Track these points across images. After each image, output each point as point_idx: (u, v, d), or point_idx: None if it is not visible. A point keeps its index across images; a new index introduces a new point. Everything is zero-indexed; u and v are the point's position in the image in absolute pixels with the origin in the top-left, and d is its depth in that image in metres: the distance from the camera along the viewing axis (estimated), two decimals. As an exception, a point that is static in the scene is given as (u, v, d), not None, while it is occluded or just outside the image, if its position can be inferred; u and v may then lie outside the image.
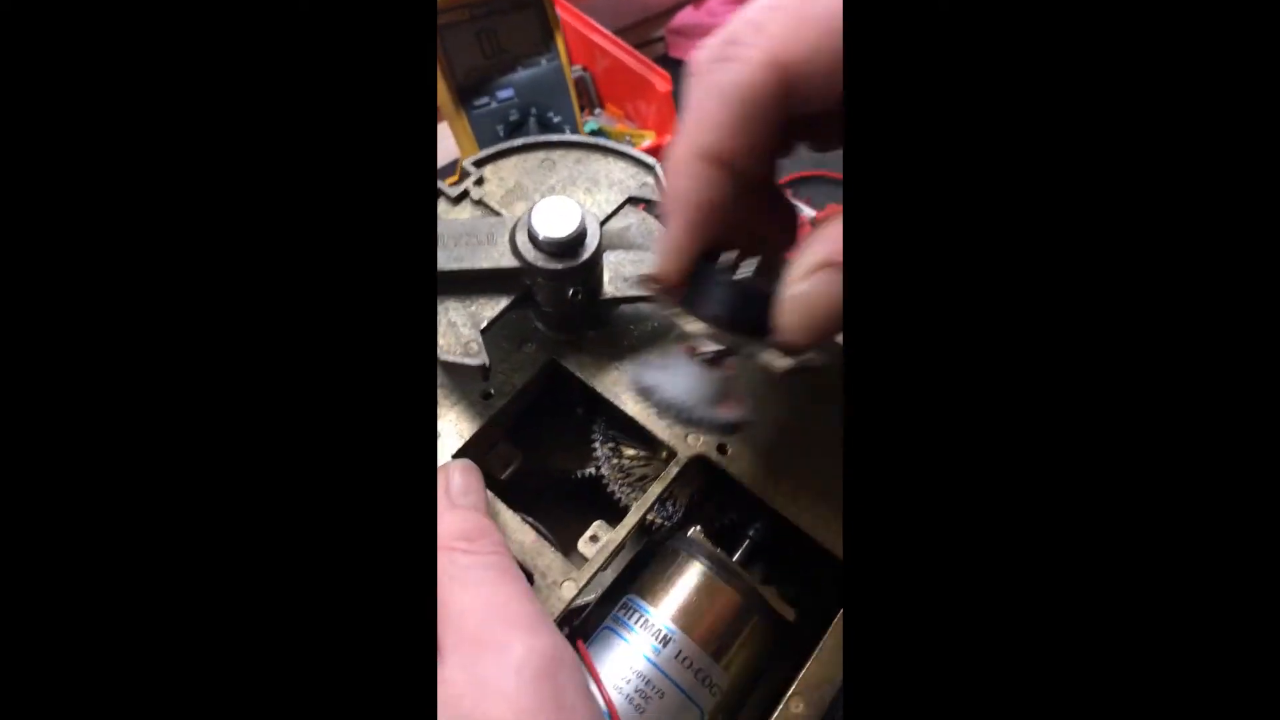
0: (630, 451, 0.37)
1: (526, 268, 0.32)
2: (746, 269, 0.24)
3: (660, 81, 0.72)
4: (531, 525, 0.32)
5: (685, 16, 0.89)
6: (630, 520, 0.32)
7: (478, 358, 0.31)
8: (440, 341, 0.31)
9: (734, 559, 0.33)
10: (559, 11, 0.64)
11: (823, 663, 0.30)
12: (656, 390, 0.26)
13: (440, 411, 0.34)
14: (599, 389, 0.35)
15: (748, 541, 0.35)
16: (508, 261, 0.32)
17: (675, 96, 0.73)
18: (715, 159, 0.23)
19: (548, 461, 0.37)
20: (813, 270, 0.22)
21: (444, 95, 0.60)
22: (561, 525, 0.35)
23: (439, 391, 0.34)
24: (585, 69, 0.77)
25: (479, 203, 0.35)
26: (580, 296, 0.33)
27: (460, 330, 0.32)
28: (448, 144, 0.66)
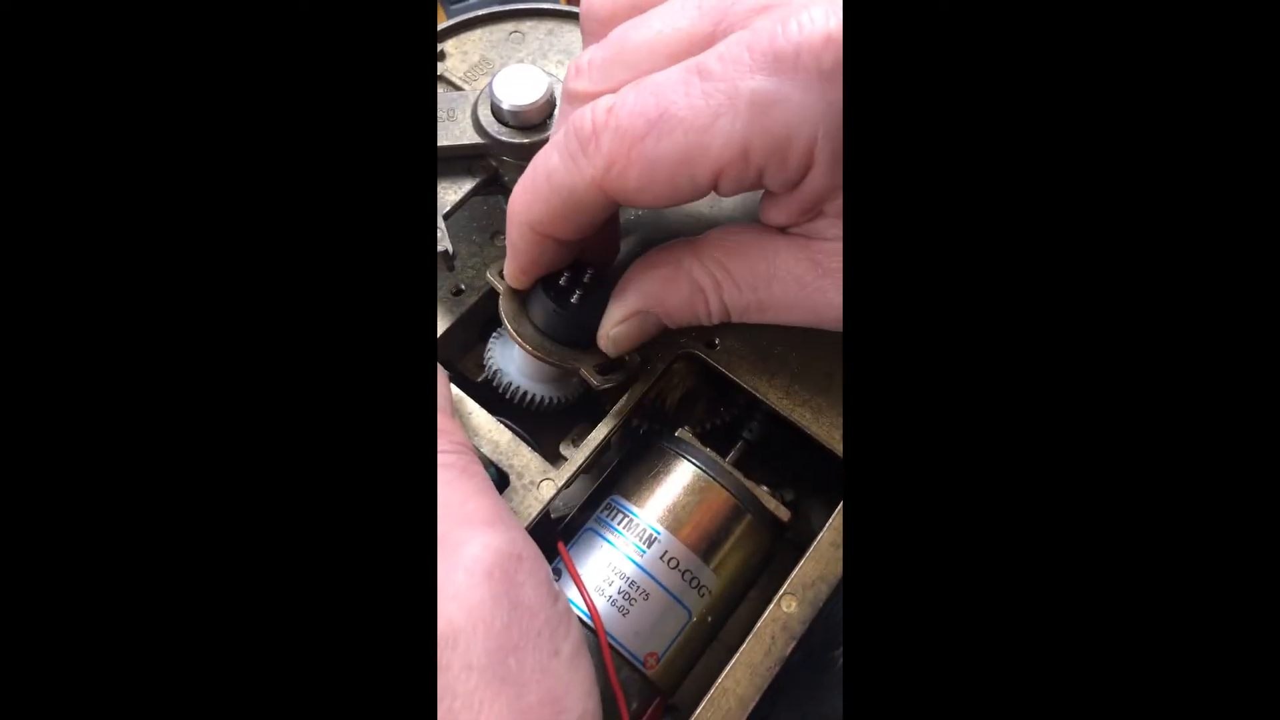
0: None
1: (491, 143, 0.29)
2: (575, 295, 0.28)
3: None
4: (507, 425, 0.30)
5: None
6: (613, 416, 0.30)
7: (440, 244, 0.29)
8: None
9: (727, 461, 0.31)
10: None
11: (817, 560, 0.28)
12: (501, 373, 0.30)
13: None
14: (579, 282, 0.32)
15: (741, 443, 0.33)
16: (470, 139, 0.29)
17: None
18: (543, 232, 0.26)
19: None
20: (626, 318, 0.28)
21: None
22: (545, 433, 0.33)
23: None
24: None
25: (440, 79, 0.32)
26: (552, 177, 0.30)
27: (421, 216, 0.29)
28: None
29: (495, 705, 0.20)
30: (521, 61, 0.33)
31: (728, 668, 0.27)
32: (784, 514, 0.31)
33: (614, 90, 0.24)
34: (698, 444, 0.31)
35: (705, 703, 0.26)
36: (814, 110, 0.22)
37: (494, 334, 0.32)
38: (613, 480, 0.32)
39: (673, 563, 0.29)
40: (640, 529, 0.29)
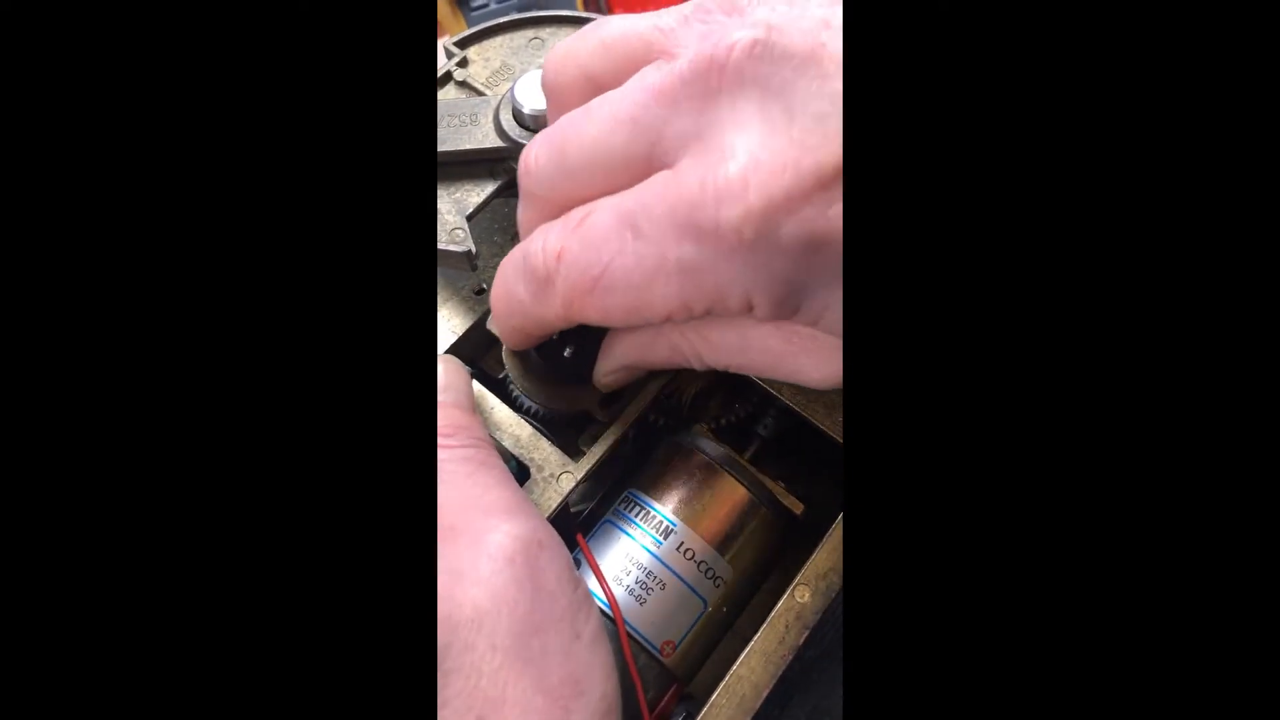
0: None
1: (512, 147, 0.30)
2: (566, 350, 0.30)
3: (671, -20, 0.69)
4: (528, 420, 0.31)
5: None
6: (631, 413, 0.31)
7: (463, 245, 0.30)
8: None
9: (743, 457, 0.32)
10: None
11: (829, 552, 0.29)
12: (513, 384, 0.32)
13: (432, 308, 0.33)
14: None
15: (758, 440, 0.34)
16: (491, 142, 0.30)
17: None
18: (522, 341, 0.29)
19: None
20: (613, 371, 0.29)
21: (440, -4, 0.57)
22: (564, 428, 0.34)
23: (430, 287, 0.33)
24: (591, -31, 0.73)
25: (462, 84, 0.33)
26: (571, 179, 0.31)
27: (445, 217, 0.30)
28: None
29: (520, 684, 0.21)
30: (541, 67, 0.34)
31: (743, 655, 0.27)
32: (797, 508, 0.32)
33: (558, 203, 0.25)
34: (714, 439, 0.32)
35: (721, 689, 0.27)
36: (742, 274, 0.22)
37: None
38: (630, 474, 0.33)
39: (689, 554, 0.29)
40: (657, 521, 0.30)
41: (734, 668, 0.27)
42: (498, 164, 0.31)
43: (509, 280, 0.26)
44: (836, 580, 0.28)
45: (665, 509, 0.30)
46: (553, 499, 0.29)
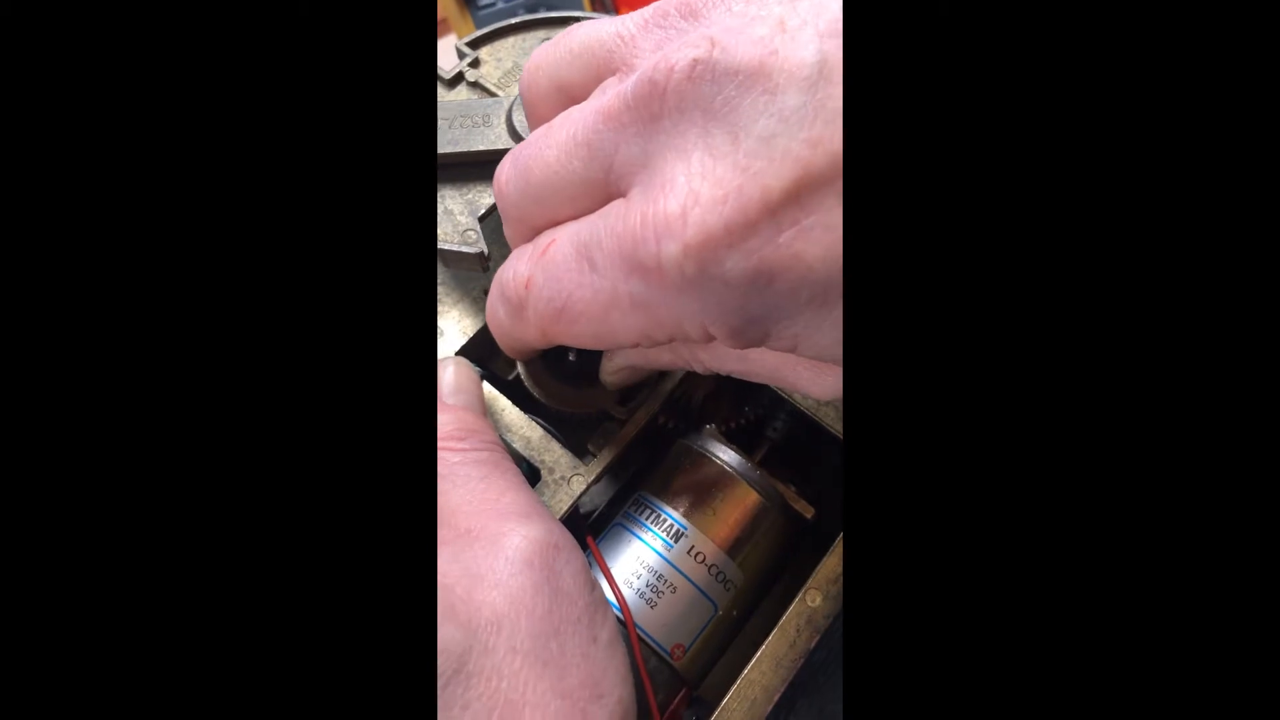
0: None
1: (524, 149, 0.30)
2: (571, 354, 0.31)
3: (678, -20, 0.68)
4: (539, 423, 0.31)
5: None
6: (642, 416, 0.31)
7: (475, 246, 0.30)
8: (437, 230, 0.30)
9: (753, 460, 0.32)
10: (567, -99, 0.60)
11: (841, 556, 0.28)
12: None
13: (441, 310, 0.33)
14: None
15: (768, 444, 0.34)
16: (504, 143, 0.30)
17: None
18: (518, 355, 0.29)
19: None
20: (618, 370, 0.29)
21: (448, -5, 0.57)
22: (574, 430, 0.34)
23: (440, 289, 0.33)
24: (598, -31, 0.73)
25: (475, 85, 0.33)
26: (583, 180, 0.31)
27: (457, 218, 0.30)
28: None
29: (539, 686, 0.21)
30: (553, 68, 0.34)
31: (754, 659, 0.27)
32: (808, 511, 0.32)
33: (531, 225, 0.24)
34: (724, 442, 0.32)
35: (732, 693, 0.27)
36: (693, 309, 0.21)
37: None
38: (641, 477, 0.33)
39: (700, 558, 0.29)
40: (668, 524, 0.30)
41: (745, 671, 0.27)
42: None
43: (493, 302, 0.26)
44: (848, 585, 0.28)
45: (676, 512, 0.30)
46: (563, 501, 0.29)
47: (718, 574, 0.30)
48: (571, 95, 0.24)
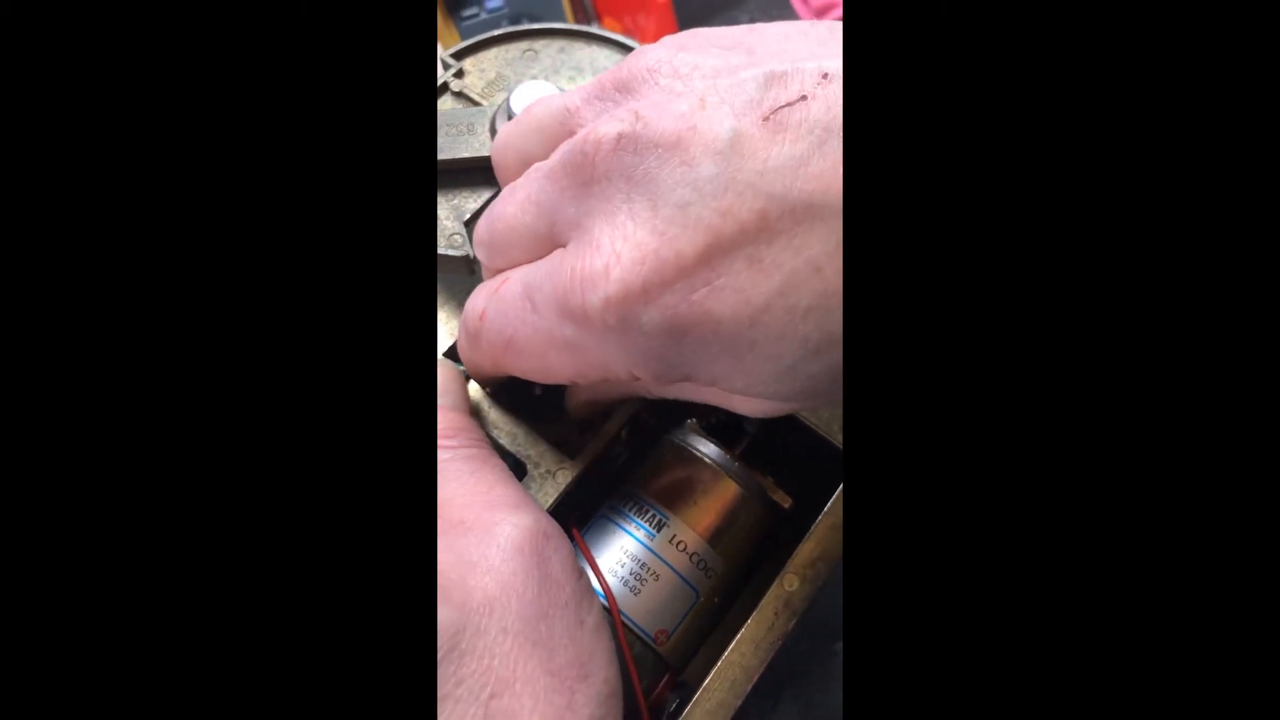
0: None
1: (508, 155, 0.31)
2: (537, 388, 0.32)
3: (658, -10, 0.70)
4: (523, 421, 0.32)
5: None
6: (624, 410, 0.32)
7: (461, 250, 0.31)
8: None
9: (733, 453, 0.33)
10: (548, -85, 0.62)
11: (816, 541, 0.30)
12: None
13: (430, 311, 0.34)
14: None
15: (747, 439, 0.35)
16: (488, 150, 0.31)
17: (675, 7, 0.71)
18: (483, 381, 0.31)
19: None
20: (580, 404, 0.31)
21: (432, 7, 0.58)
22: (559, 425, 0.35)
23: (428, 291, 0.34)
24: (580, -21, 0.74)
25: (459, 95, 0.34)
26: (565, 185, 0.32)
27: (443, 223, 0.31)
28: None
29: (529, 664, 0.22)
30: (535, 78, 0.35)
31: (734, 642, 0.28)
32: (786, 501, 0.33)
33: (497, 269, 0.27)
34: (706, 436, 0.33)
35: (713, 674, 0.28)
36: (617, 354, 0.23)
37: None
38: (624, 470, 0.34)
39: (682, 546, 0.31)
40: (651, 515, 0.31)
41: (725, 654, 0.28)
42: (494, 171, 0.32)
43: (459, 331, 0.29)
44: (824, 569, 0.29)
45: (658, 503, 0.31)
46: (549, 494, 0.30)
47: (699, 562, 0.31)
48: (528, 161, 0.27)
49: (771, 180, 0.20)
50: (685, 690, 0.31)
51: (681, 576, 0.30)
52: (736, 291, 0.21)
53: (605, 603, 0.29)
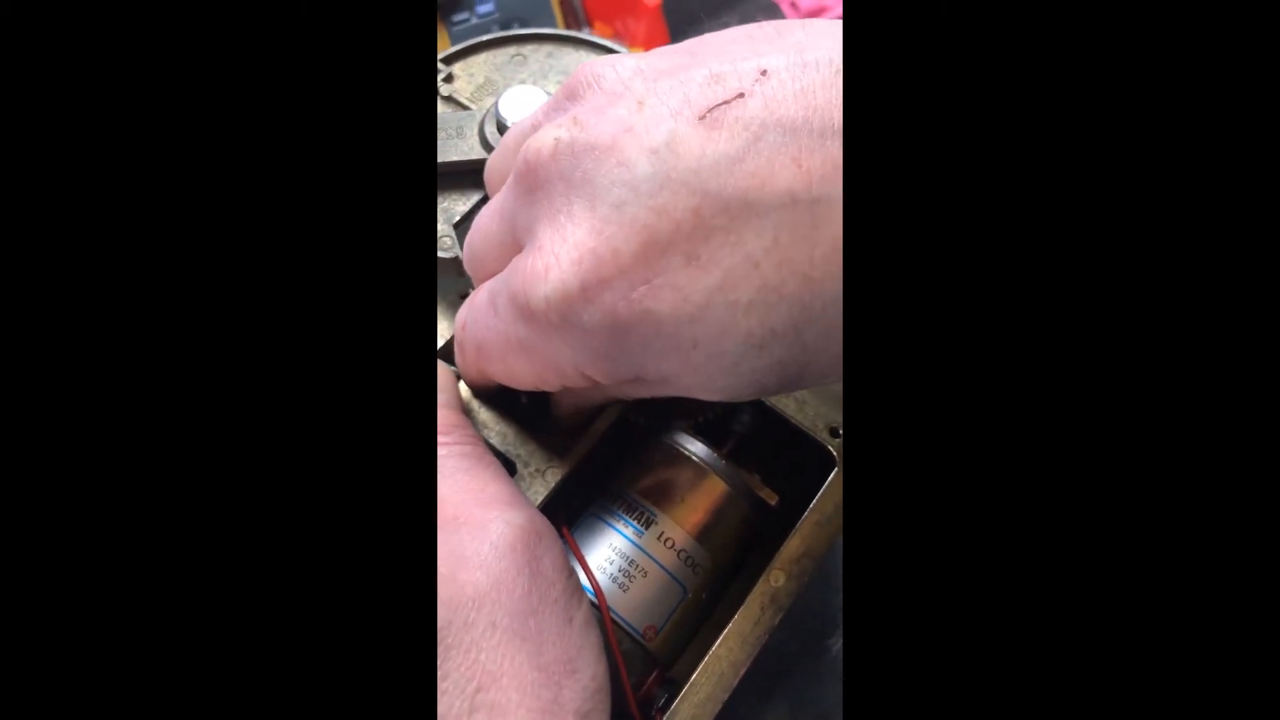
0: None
1: (496, 159, 0.31)
2: (523, 396, 0.32)
3: (648, -5, 0.70)
4: (513, 420, 0.32)
5: (673, -72, 0.86)
6: (612, 410, 0.32)
7: (450, 252, 0.31)
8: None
9: (720, 452, 0.34)
10: (538, -80, 0.62)
11: (802, 537, 0.30)
12: None
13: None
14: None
15: (735, 438, 0.35)
16: (477, 154, 0.32)
17: (665, 11, 0.71)
18: (477, 386, 0.31)
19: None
20: (565, 415, 0.31)
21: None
22: (547, 428, 0.35)
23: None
24: (570, -16, 0.75)
25: (448, 99, 0.35)
26: (553, 188, 0.32)
27: (433, 225, 0.32)
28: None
29: (517, 659, 0.22)
30: (524, 82, 0.36)
31: (721, 637, 0.29)
32: (772, 499, 0.33)
33: (479, 278, 0.27)
34: (692, 435, 0.33)
35: (700, 669, 0.28)
36: (564, 352, 0.23)
37: None
38: (613, 469, 0.34)
39: (669, 543, 0.31)
40: (639, 512, 0.31)
41: (713, 648, 0.29)
42: (483, 174, 0.32)
43: (455, 339, 0.29)
44: (809, 564, 0.30)
45: (647, 501, 0.32)
46: (539, 492, 0.31)
47: (687, 559, 0.31)
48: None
49: (706, 178, 0.20)
50: (673, 686, 0.31)
51: (669, 573, 0.31)
52: (675, 289, 0.21)
53: (594, 600, 0.30)
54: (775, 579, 0.30)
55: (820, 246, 0.20)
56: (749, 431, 0.36)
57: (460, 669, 0.21)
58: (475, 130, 0.32)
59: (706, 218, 0.20)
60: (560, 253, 0.22)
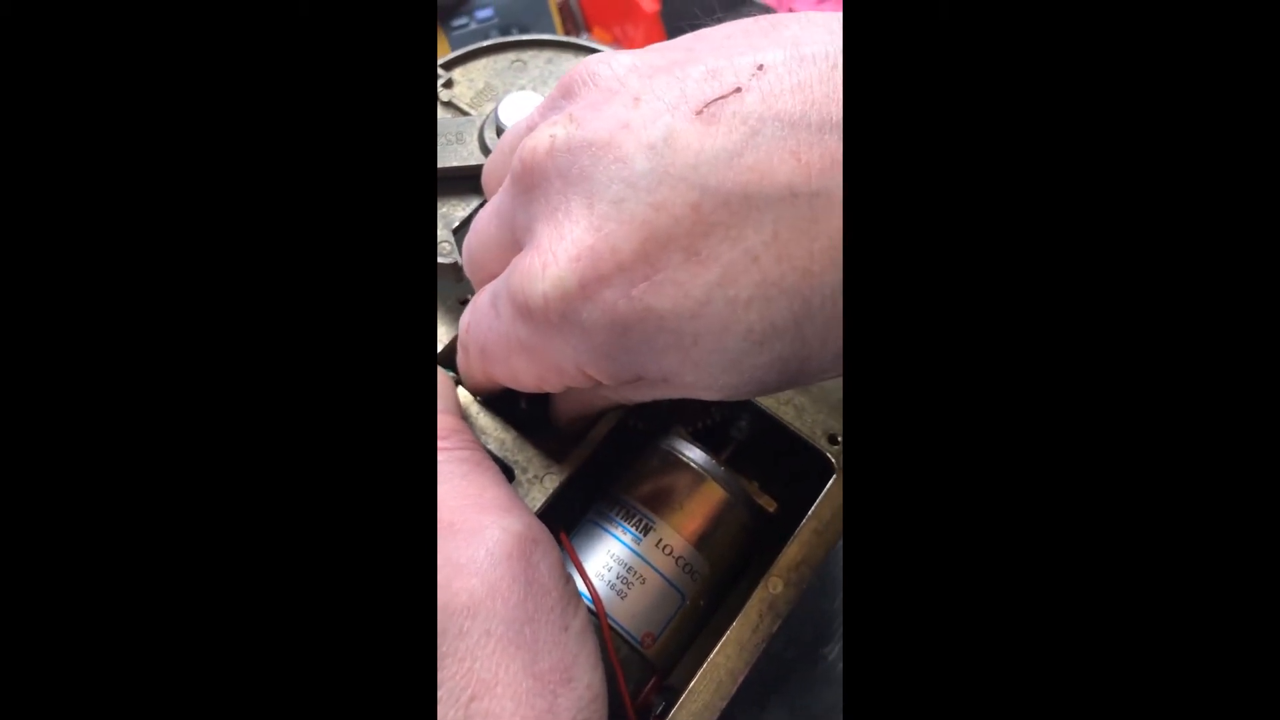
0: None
1: (496, 164, 0.31)
2: (522, 402, 0.33)
3: (648, 1, 0.71)
4: (511, 426, 0.32)
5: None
6: (611, 416, 0.32)
7: (449, 257, 0.31)
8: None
9: (719, 459, 0.34)
10: (538, -74, 0.62)
11: (801, 545, 0.30)
12: None
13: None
14: (577, 292, 0.35)
15: (733, 444, 0.35)
16: (476, 160, 0.32)
17: (663, 16, 0.72)
18: (480, 392, 0.32)
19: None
20: (565, 421, 0.31)
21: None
22: (547, 431, 0.35)
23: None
24: (570, -10, 0.75)
25: (448, 104, 0.35)
26: (552, 194, 0.32)
27: (432, 231, 0.32)
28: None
29: (511, 667, 0.22)
30: (523, 88, 0.36)
31: (719, 644, 0.29)
32: (771, 505, 0.33)
33: (481, 281, 0.27)
34: (691, 441, 0.33)
35: (699, 676, 0.28)
36: (565, 351, 0.23)
37: None
38: (611, 476, 0.34)
39: (668, 550, 0.31)
40: (638, 519, 0.31)
41: (711, 656, 0.28)
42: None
43: (458, 341, 0.29)
44: (808, 571, 0.30)
45: (645, 508, 0.32)
46: (537, 498, 0.31)
47: (685, 566, 0.31)
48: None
49: (704, 173, 0.20)
50: (671, 693, 0.31)
51: (668, 580, 0.31)
52: (676, 285, 0.21)
53: (592, 607, 0.29)
54: (774, 586, 0.30)
55: (819, 240, 0.20)
56: (747, 438, 0.36)
57: (454, 677, 0.21)
58: (475, 136, 0.32)
59: (706, 213, 0.20)
60: (559, 250, 0.22)
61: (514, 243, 0.25)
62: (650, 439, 0.34)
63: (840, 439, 0.32)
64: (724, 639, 0.29)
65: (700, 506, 0.32)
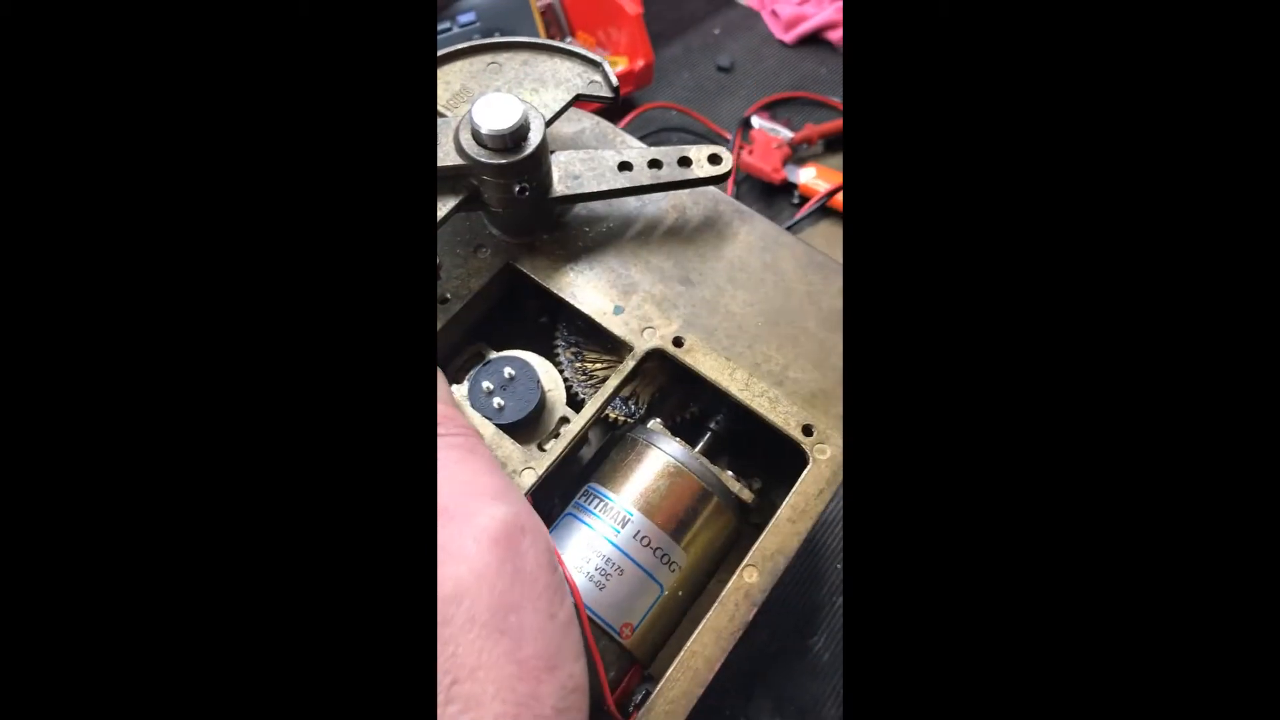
0: (592, 355, 0.37)
1: (471, 165, 0.32)
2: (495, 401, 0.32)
3: (631, 4, 0.71)
4: (491, 421, 0.33)
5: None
6: (589, 410, 0.33)
7: (427, 256, 0.32)
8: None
9: (696, 450, 0.34)
10: (518, -69, 0.63)
11: (775, 535, 0.31)
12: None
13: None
14: (556, 291, 0.35)
15: (709, 435, 0.36)
16: (452, 160, 0.32)
17: (646, 19, 0.72)
18: None
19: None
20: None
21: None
22: (526, 426, 0.36)
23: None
24: (552, -7, 0.76)
25: (425, 107, 0.35)
26: (528, 193, 0.33)
27: (410, 231, 0.32)
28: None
29: (494, 654, 0.22)
30: (499, 90, 0.36)
31: (695, 633, 0.29)
32: (747, 496, 0.34)
33: None
34: (668, 434, 0.34)
35: (675, 664, 0.29)
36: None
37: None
38: (589, 469, 0.34)
39: (645, 541, 0.31)
40: (615, 512, 0.32)
41: (688, 644, 0.29)
42: (458, 180, 0.33)
43: None
44: (782, 561, 0.30)
45: (623, 500, 0.32)
46: (516, 493, 0.31)
47: (663, 556, 0.31)
48: None
49: None
50: (652, 683, 0.32)
51: (646, 571, 0.31)
52: None
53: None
54: (749, 575, 0.30)
55: None
56: (724, 430, 0.36)
57: (436, 662, 0.22)
58: (451, 137, 0.33)
59: None
60: None
61: None
62: (628, 432, 0.35)
63: (814, 430, 0.33)
64: (700, 627, 0.29)
65: (678, 498, 0.32)
